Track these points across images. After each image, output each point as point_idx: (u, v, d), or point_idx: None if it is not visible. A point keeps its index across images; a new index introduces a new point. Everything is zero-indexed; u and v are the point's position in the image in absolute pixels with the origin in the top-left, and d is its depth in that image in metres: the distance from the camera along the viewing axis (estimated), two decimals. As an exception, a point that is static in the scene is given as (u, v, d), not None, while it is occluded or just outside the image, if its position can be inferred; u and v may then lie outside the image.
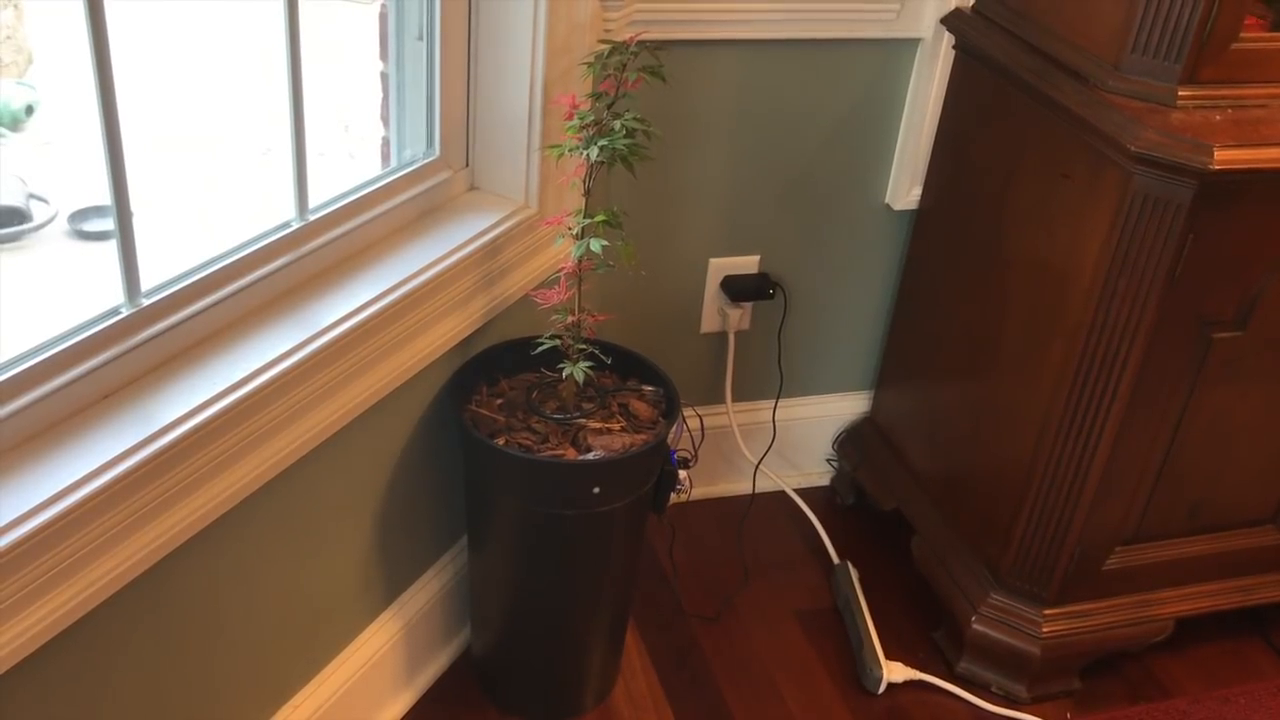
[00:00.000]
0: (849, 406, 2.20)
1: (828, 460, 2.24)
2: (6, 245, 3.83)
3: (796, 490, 2.20)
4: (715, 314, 2.02)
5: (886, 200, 1.99)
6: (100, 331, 1.14)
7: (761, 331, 2.05)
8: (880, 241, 2.03)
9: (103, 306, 1.15)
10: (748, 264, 1.99)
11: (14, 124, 4.49)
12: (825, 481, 2.25)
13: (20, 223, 3.83)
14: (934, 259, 1.94)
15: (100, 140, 1.09)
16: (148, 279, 1.18)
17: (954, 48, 1.81)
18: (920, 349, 2.00)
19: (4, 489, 1.03)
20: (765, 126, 1.86)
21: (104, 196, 1.11)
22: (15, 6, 4.86)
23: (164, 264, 1.23)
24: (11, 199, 3.88)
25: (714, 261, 1.97)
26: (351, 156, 1.84)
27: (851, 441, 2.19)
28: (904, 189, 1.95)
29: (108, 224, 1.14)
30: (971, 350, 1.83)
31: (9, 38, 5.05)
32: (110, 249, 1.15)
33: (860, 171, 1.95)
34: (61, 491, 1.03)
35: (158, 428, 1.12)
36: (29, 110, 4.67)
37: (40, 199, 3.98)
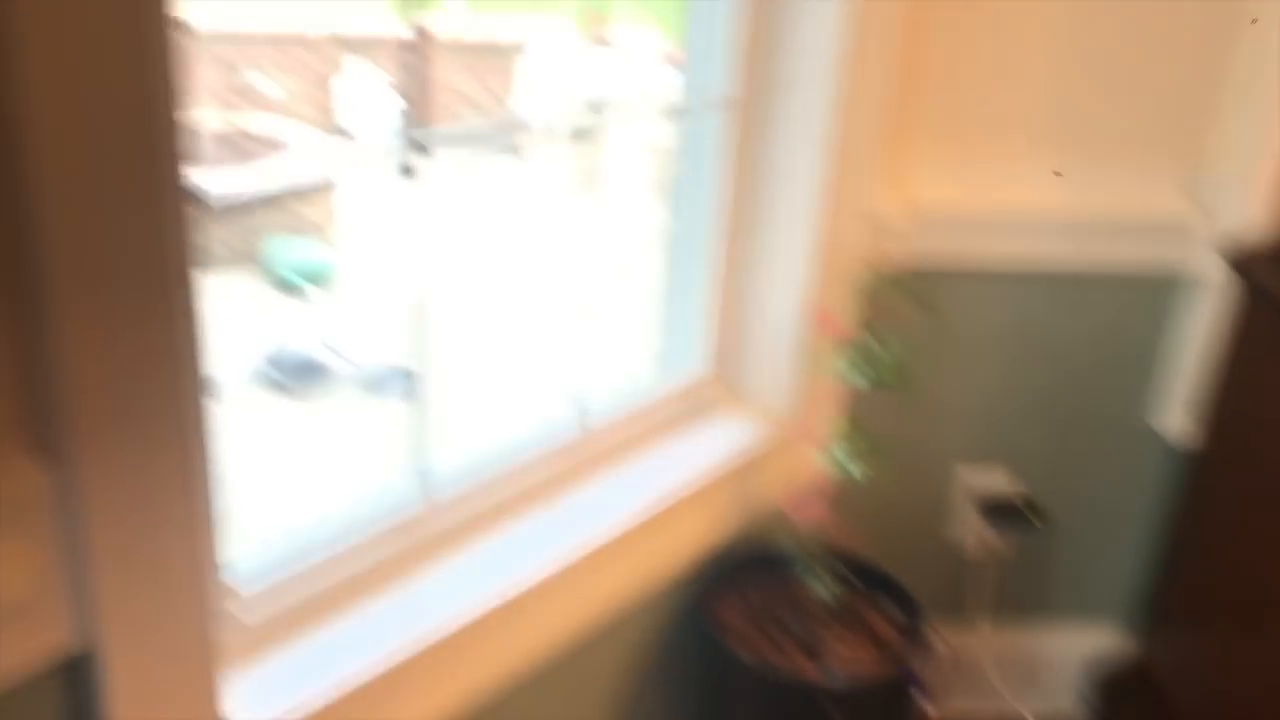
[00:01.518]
0: (1102, 639, 2.08)
1: (1079, 697, 2.12)
2: (303, 397, 4.23)
3: (1039, 717, 2.09)
4: (968, 532, 1.98)
5: (1158, 429, 1.92)
6: (389, 522, 1.25)
7: (1015, 553, 2.00)
8: (1149, 471, 1.95)
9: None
10: (1003, 483, 1.96)
11: (320, 283, 5.00)
12: (1071, 712, 2.12)
13: (317, 377, 4.23)
14: (1217, 498, 1.84)
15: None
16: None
17: (1237, 287, 1.76)
18: (1199, 593, 1.88)
19: (280, 667, 1.13)
20: (1033, 351, 1.85)
21: (397, 357, 1.23)
22: (329, 184, 5.41)
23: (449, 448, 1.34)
24: (312, 353, 4.31)
25: (968, 479, 1.95)
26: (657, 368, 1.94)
27: (1105, 683, 2.07)
28: (1180, 420, 1.88)
29: (399, 383, 1.27)
30: (1260, 602, 1.71)
31: (326, 204, 5.67)
32: (395, 405, 1.26)
33: (1130, 399, 1.90)
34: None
35: (426, 621, 1.21)
36: (333, 273, 5.19)
37: (339, 353, 4.39)
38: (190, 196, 0.87)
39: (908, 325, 1.57)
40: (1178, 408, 1.88)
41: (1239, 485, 1.79)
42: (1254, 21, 1.68)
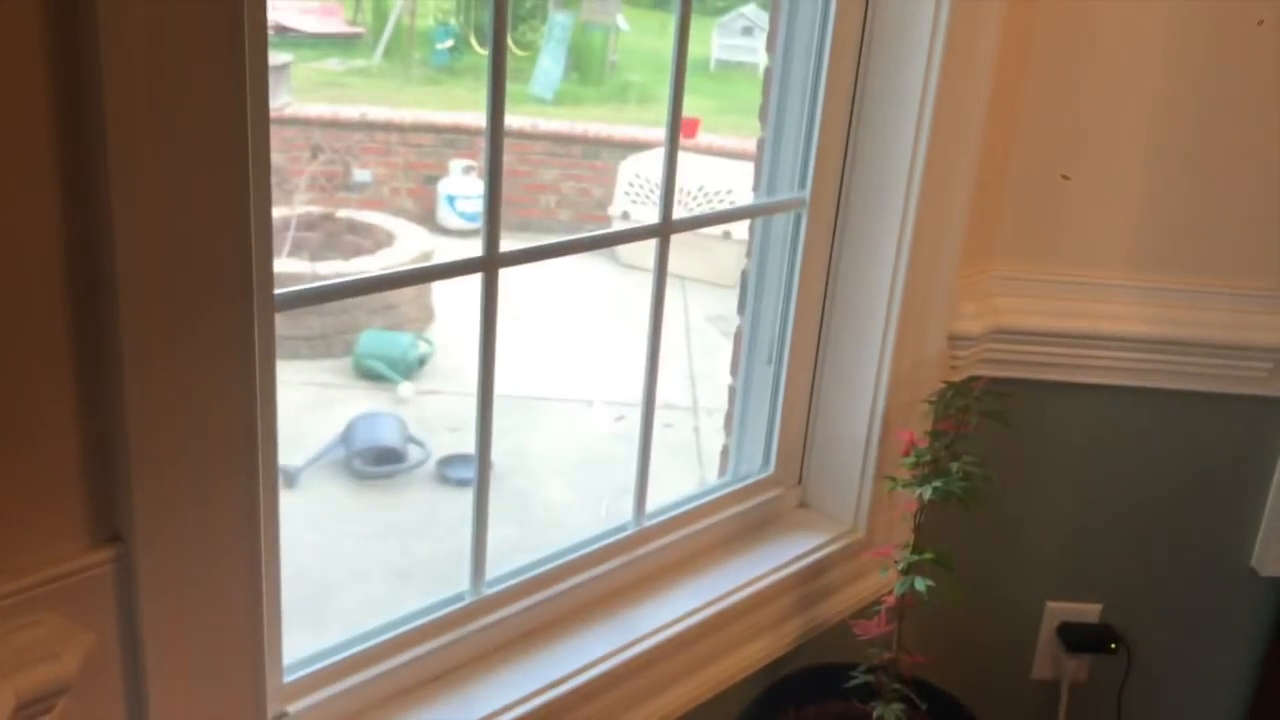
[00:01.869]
0: (1197, 787, 1.95)
1: (1168, 845, 1.98)
2: (382, 482, 4.27)
3: None
4: (1049, 661, 1.88)
5: (1252, 564, 1.81)
6: (447, 615, 1.23)
7: (1100, 688, 1.89)
8: (1242, 607, 1.84)
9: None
10: (1089, 612, 1.86)
11: (407, 372, 5.08)
12: None
13: (396, 462, 4.27)
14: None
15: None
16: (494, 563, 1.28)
17: (1339, 412, 1.68)
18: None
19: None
20: (1116, 474, 1.77)
21: (469, 445, 1.21)
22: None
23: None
24: (392, 440, 4.36)
25: (1051, 606, 1.86)
26: (722, 470, 1.91)
27: (1198, 828, 1.93)
28: (1274, 556, 1.78)
29: (469, 472, 1.25)
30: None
31: (417, 296, 5.77)
32: (468, 496, 1.25)
33: (1222, 531, 1.80)
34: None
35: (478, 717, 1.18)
36: (422, 361, 5.28)
37: (418, 443, 4.43)
38: (271, 286, 0.88)
39: (986, 441, 1.51)
40: (1277, 540, 1.78)
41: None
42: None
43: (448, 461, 4.26)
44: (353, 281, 1.10)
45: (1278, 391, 1.72)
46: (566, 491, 3.91)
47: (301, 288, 1.02)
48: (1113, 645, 1.85)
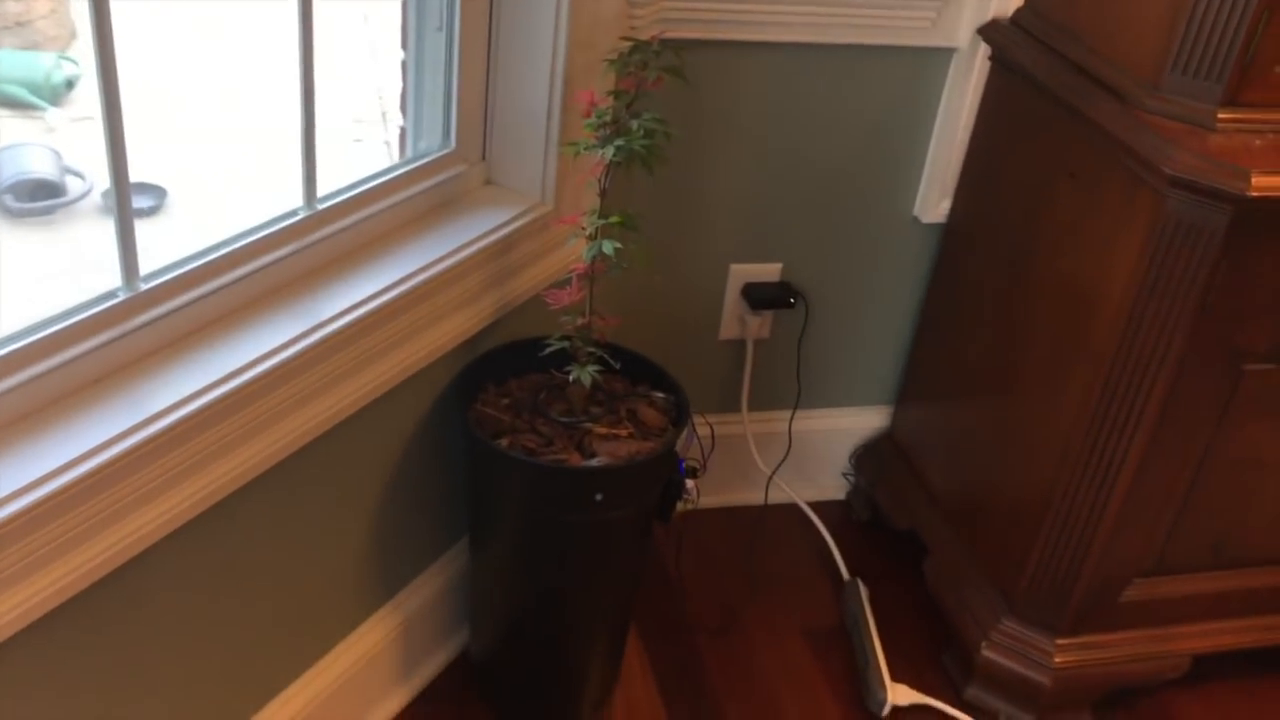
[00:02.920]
0: (868, 421, 2.16)
1: (844, 475, 2.20)
2: (39, 219, 3.86)
3: (810, 504, 2.16)
4: (734, 321, 1.98)
5: (915, 212, 1.94)
6: (96, 314, 1.12)
7: (781, 341, 2.02)
8: (906, 254, 1.99)
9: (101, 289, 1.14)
10: (769, 271, 1.95)
11: (54, 97, 4.52)
12: (841, 496, 2.21)
13: (54, 197, 3.86)
14: (961, 275, 1.89)
15: (101, 116, 1.07)
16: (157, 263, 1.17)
17: (990, 59, 1.77)
18: (942, 366, 1.96)
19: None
20: (791, 131, 1.82)
21: (142, 174, 1.09)
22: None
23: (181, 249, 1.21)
24: (47, 173, 3.92)
25: (735, 268, 1.93)
26: (387, 144, 1.82)
27: (869, 457, 2.15)
28: (933, 202, 1.91)
29: (145, 201, 1.13)
30: (994, 371, 1.79)
31: (53, 11, 5.09)
32: (146, 227, 1.13)
33: (889, 182, 1.91)
34: (47, 475, 1.01)
35: (149, 414, 1.10)
36: (69, 84, 4.70)
37: (76, 174, 4.01)
38: None
39: (667, 102, 1.49)
40: (936, 186, 1.90)
41: (975, 255, 1.85)
42: None
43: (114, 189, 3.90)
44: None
45: (939, 42, 1.79)
46: (240, 193, 3.64)
47: None
48: (792, 300, 1.96)
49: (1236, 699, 1.88)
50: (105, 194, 3.96)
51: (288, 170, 1.34)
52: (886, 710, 1.77)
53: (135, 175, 1.12)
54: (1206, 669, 1.82)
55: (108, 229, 1.16)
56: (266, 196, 1.32)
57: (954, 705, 1.80)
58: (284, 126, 1.29)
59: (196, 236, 1.21)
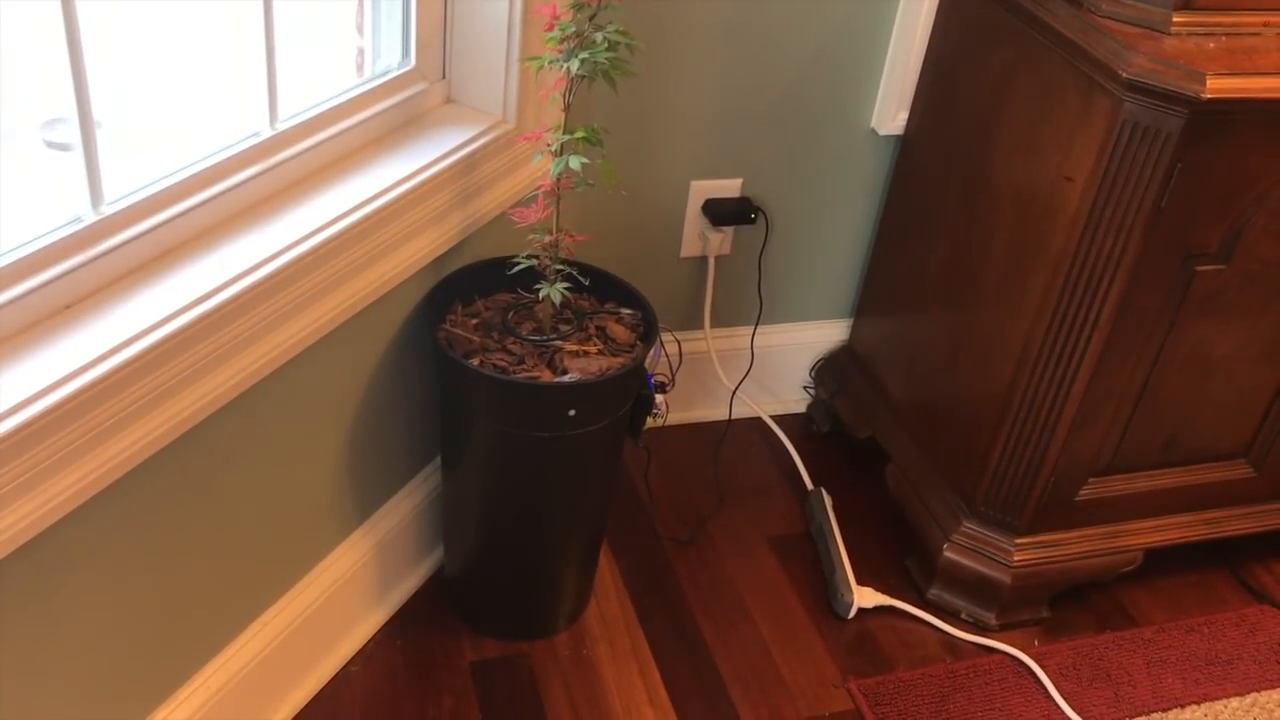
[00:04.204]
0: (828, 334, 2.19)
1: (805, 388, 2.23)
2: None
3: (773, 417, 2.20)
4: (696, 238, 1.99)
5: (872, 125, 1.95)
6: (62, 240, 1.11)
7: (742, 256, 2.03)
8: (865, 167, 2.00)
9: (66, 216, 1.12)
10: (730, 187, 1.96)
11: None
12: (802, 409, 2.25)
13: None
14: (918, 186, 1.91)
15: (63, 40, 1.04)
16: (117, 189, 1.15)
17: (946, -32, 1.77)
18: (901, 277, 1.99)
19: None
20: (750, 45, 1.82)
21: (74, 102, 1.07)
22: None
23: (140, 175, 1.19)
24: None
25: (695, 184, 1.94)
26: (360, 69, 1.78)
27: (829, 369, 2.18)
28: (890, 113, 1.92)
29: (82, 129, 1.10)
30: (953, 279, 1.82)
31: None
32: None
33: (846, 94, 1.91)
34: (19, 404, 1.00)
35: (120, 340, 1.09)
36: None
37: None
38: None
39: (629, 17, 1.48)
40: (893, 98, 1.91)
41: (932, 165, 1.87)
42: None
43: (54, 124, 3.79)
44: None
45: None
46: (190, 117, 3.58)
47: None
48: (752, 216, 1.97)
49: (1185, 590, 1.96)
50: (44, 127, 3.85)
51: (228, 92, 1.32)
52: (852, 613, 1.83)
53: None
54: (1157, 562, 1.89)
55: (48, 160, 1.14)
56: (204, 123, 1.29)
57: (918, 606, 1.86)
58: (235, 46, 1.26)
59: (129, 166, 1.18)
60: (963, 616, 1.85)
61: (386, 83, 1.48)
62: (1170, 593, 1.95)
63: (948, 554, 1.81)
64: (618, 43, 1.37)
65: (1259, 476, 1.88)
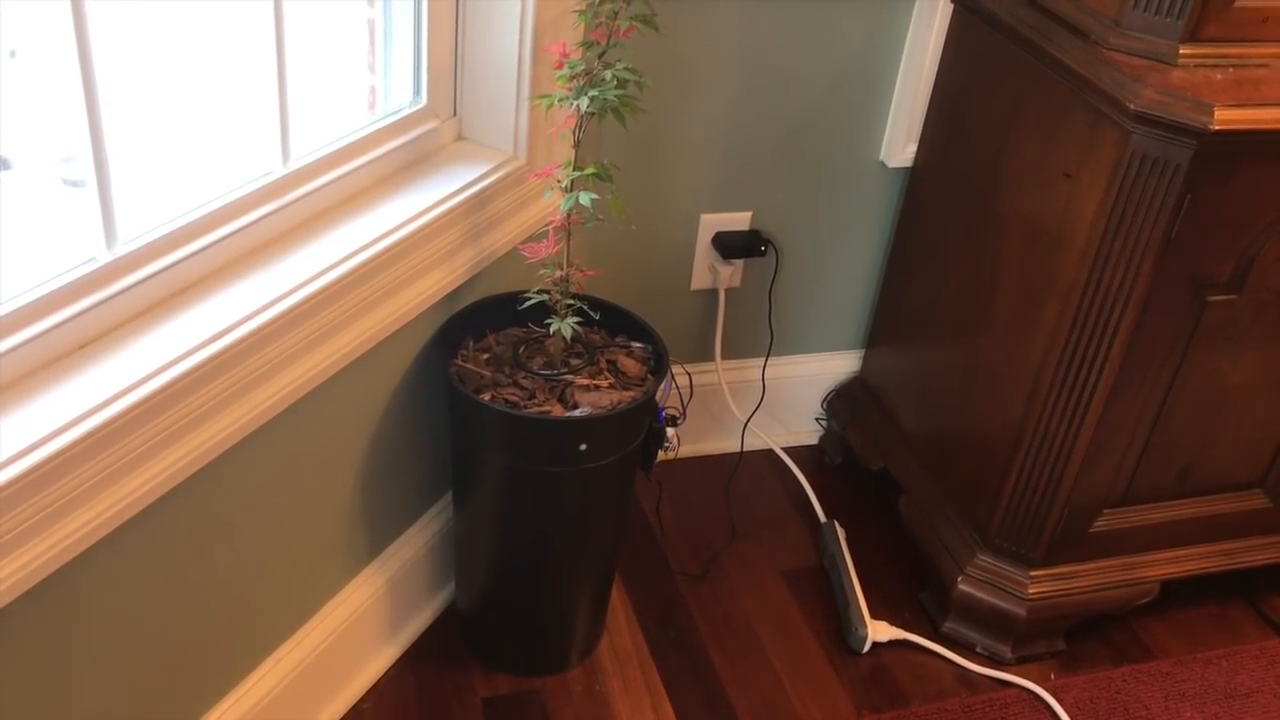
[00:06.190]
0: (839, 365, 2.18)
1: (817, 419, 2.23)
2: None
3: (785, 449, 2.19)
4: (706, 271, 1.99)
5: (881, 157, 1.96)
6: (77, 280, 1.11)
7: (752, 289, 2.03)
8: (874, 199, 2.01)
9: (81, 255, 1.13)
10: (739, 220, 1.96)
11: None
12: (814, 440, 2.24)
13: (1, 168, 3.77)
14: (928, 218, 1.92)
15: (78, 80, 1.06)
16: (130, 228, 1.16)
17: (953, 2, 1.78)
18: (912, 308, 1.99)
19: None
20: (759, 80, 1.83)
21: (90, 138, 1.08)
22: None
23: (153, 214, 1.20)
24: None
25: (705, 217, 1.94)
26: (371, 108, 1.79)
27: (841, 401, 2.18)
28: (899, 146, 1.92)
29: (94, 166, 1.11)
30: (964, 310, 1.81)
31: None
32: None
33: (855, 127, 1.92)
34: (35, 444, 1.01)
35: (135, 379, 1.10)
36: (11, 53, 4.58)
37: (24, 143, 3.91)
38: None
39: (639, 53, 1.50)
40: (902, 130, 1.92)
41: (942, 196, 1.87)
42: None
43: (70, 161, 3.82)
44: None
45: (900, -14, 1.80)
46: (205, 154, 3.60)
47: None
48: (762, 248, 1.98)
49: (1202, 622, 1.95)
50: (60, 165, 3.89)
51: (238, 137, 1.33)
52: (867, 646, 1.82)
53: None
54: (1174, 594, 1.88)
55: (64, 199, 1.15)
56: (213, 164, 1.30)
57: (932, 639, 1.84)
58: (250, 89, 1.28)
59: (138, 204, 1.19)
60: (978, 650, 1.83)
61: (398, 121, 1.49)
62: (1187, 625, 1.94)
63: (962, 587, 1.80)
64: (627, 80, 1.38)
65: (1275, 506, 1.86)
